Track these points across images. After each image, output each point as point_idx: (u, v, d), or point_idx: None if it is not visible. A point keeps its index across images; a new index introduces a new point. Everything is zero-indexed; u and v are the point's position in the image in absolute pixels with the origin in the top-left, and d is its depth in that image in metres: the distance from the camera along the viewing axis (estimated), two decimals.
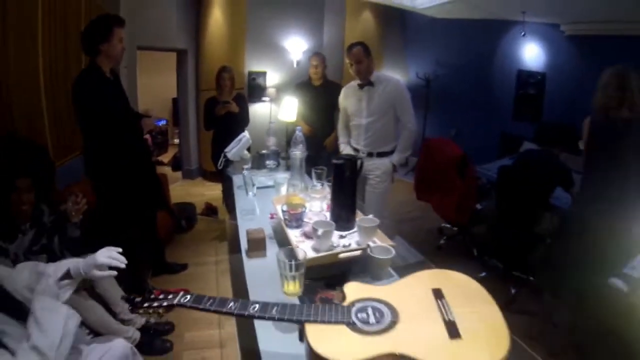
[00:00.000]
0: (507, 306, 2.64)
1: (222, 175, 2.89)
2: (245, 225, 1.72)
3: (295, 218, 1.42)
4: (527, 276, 2.84)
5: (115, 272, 1.22)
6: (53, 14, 2.73)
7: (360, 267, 1.27)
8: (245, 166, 2.35)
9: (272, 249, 1.47)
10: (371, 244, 1.14)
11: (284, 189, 1.89)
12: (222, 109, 3.30)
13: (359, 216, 1.48)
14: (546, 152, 2.59)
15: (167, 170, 5.82)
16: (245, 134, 2.42)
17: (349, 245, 1.31)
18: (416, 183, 3.57)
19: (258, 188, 2.18)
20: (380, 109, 2.54)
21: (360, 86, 2.56)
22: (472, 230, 3.41)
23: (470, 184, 2.99)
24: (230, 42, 4.93)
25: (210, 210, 4.12)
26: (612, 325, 2.07)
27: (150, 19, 4.35)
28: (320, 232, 1.18)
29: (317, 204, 1.63)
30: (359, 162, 1.44)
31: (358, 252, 1.22)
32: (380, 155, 2.63)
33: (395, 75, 5.90)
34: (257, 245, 1.41)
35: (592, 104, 2.06)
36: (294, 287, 0.96)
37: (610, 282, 1.98)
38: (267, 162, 2.55)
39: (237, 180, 2.42)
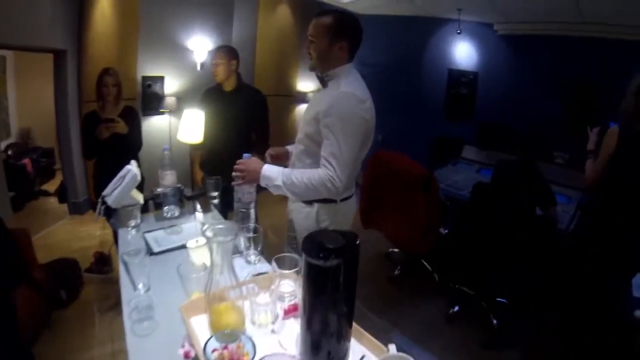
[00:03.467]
0: (493, 343, 2.23)
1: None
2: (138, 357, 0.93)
3: None
4: (507, 301, 2.46)
5: None
6: None
7: None
8: (133, 221, 1.53)
9: None
10: None
11: (195, 285, 1.06)
12: (106, 130, 2.36)
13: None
14: (522, 163, 2.21)
15: (52, 202, 4.48)
16: (131, 168, 1.58)
17: None
18: (363, 207, 2.84)
19: (155, 254, 1.39)
20: (306, 122, 1.48)
21: (321, 82, 1.49)
22: (432, 255, 2.92)
23: (437, 206, 2.49)
24: (120, 41, 3.90)
25: (100, 262, 3.04)
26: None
27: (16, 10, 3.13)
28: None
29: (264, 310, 0.92)
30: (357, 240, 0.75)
31: None
32: None
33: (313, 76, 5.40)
34: None
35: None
36: None
37: (636, 315, 1.86)
38: (166, 208, 1.73)
39: (123, 237, 1.57)
